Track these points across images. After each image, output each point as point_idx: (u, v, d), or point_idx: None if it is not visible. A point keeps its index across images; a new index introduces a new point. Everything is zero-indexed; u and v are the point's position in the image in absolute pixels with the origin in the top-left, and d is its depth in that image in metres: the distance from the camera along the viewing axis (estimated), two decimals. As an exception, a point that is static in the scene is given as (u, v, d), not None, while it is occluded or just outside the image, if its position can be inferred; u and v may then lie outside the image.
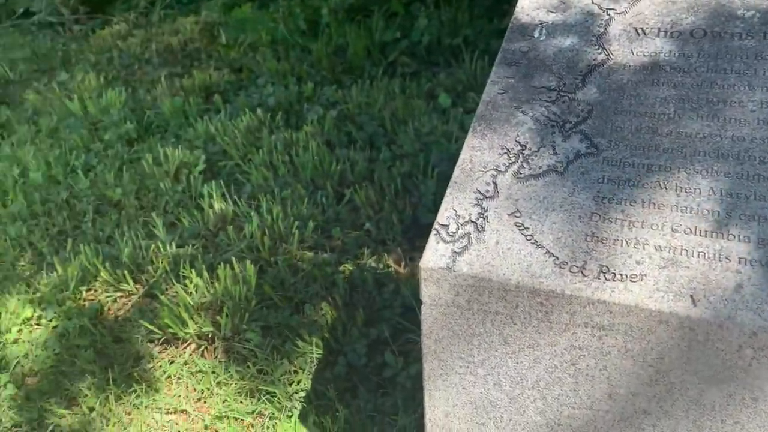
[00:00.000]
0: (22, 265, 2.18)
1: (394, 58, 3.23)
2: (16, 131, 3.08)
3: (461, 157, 1.13)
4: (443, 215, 1.05)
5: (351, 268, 2.02)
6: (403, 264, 2.01)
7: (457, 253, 1.00)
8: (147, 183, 2.50)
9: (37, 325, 1.93)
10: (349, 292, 1.93)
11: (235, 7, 4.16)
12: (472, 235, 1.02)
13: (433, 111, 2.73)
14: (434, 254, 1.01)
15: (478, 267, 0.98)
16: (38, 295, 2.01)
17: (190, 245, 2.14)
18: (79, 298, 1.99)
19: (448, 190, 1.08)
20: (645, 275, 0.92)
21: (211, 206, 2.31)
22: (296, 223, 2.17)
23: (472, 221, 1.03)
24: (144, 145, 2.80)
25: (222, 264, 1.97)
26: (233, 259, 2.00)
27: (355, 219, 2.23)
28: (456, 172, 1.10)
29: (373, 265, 2.02)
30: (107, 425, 1.63)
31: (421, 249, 2.08)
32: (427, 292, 1.03)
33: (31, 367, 1.80)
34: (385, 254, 2.04)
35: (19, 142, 2.96)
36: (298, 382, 1.69)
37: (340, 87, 3.09)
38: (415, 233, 2.14)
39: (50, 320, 1.93)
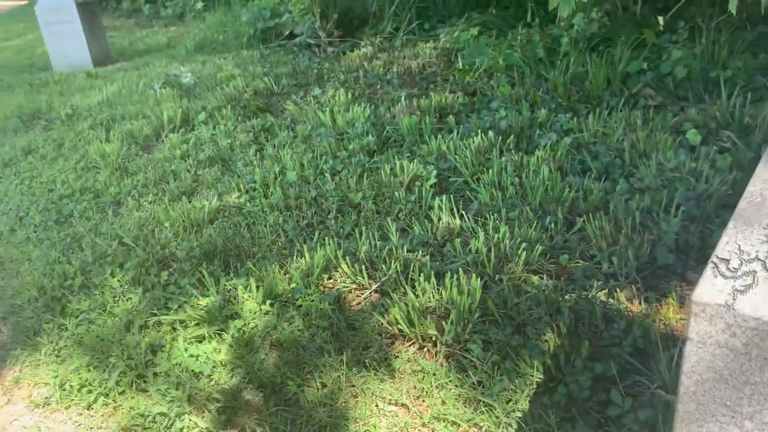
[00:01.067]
0: (277, 248, 2.50)
1: (636, 90, 3.09)
2: (278, 135, 3.54)
3: (748, 189, 1.05)
4: (724, 248, 0.98)
5: (578, 298, 1.96)
6: (636, 302, 1.90)
7: (738, 291, 0.93)
8: (383, 190, 2.71)
9: (286, 302, 2.20)
10: (574, 322, 1.88)
11: (474, 34, 4.33)
12: (758, 274, 0.94)
13: (679, 147, 2.55)
14: (711, 289, 0.95)
15: (763, 309, 0.90)
16: (288, 276, 2.29)
17: (419, 251, 2.26)
18: (321, 285, 2.22)
19: (731, 223, 1.01)
20: None
21: (439, 218, 2.42)
22: (522, 244, 2.18)
23: (759, 259, 0.95)
24: (382, 156, 3.04)
25: (449, 273, 2.05)
26: (459, 270, 2.07)
27: (585, 249, 2.17)
28: (742, 204, 1.03)
29: (603, 299, 1.94)
30: (336, 402, 1.79)
31: (657, 289, 1.95)
32: (696, 328, 0.97)
33: (278, 338, 2.05)
34: (617, 290, 1.95)
35: (279, 145, 3.41)
36: (516, 402, 1.69)
37: (576, 115, 3.04)
38: (652, 272, 2.01)
39: (296, 299, 2.18)
